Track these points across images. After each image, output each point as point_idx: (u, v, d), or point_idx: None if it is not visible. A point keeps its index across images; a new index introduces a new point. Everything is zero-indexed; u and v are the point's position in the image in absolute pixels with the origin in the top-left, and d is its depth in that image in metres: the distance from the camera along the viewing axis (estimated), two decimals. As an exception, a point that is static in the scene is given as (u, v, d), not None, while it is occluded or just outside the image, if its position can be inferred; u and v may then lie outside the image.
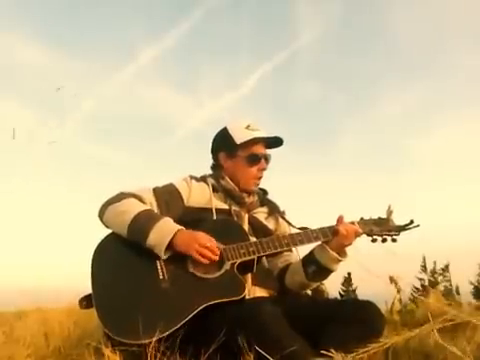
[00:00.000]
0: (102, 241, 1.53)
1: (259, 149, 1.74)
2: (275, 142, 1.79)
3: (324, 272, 1.62)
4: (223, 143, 1.79)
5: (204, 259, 1.41)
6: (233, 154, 1.75)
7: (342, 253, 1.60)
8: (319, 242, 1.60)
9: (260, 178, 1.77)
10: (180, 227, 1.46)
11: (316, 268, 1.60)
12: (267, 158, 1.77)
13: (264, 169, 1.76)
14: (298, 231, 1.65)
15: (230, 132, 1.76)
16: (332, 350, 0.82)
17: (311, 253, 1.64)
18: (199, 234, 1.45)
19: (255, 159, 1.73)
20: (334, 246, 1.57)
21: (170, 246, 1.42)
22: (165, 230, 1.43)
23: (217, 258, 1.44)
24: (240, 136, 1.72)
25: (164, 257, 1.43)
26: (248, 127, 1.74)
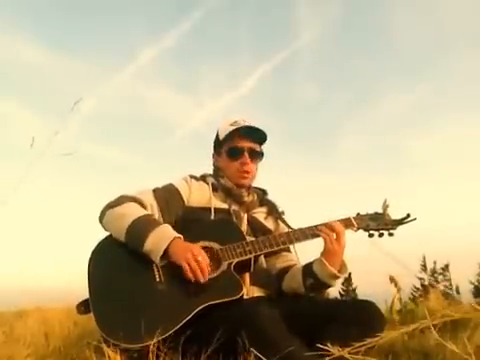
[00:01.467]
0: (98, 244, 1.52)
1: (240, 142, 1.71)
2: (259, 136, 1.74)
3: (322, 286, 1.59)
4: (214, 142, 1.83)
5: (190, 273, 1.35)
6: (220, 151, 1.79)
7: (342, 269, 1.56)
8: (316, 239, 1.58)
9: (246, 172, 1.72)
10: (178, 235, 1.44)
11: (314, 282, 1.57)
12: (252, 151, 1.73)
13: (247, 163, 1.71)
14: (294, 229, 1.63)
15: (218, 131, 1.80)
16: (328, 344, 0.82)
17: (310, 265, 1.61)
18: (194, 247, 1.41)
19: (234, 152, 1.71)
20: (329, 257, 1.52)
21: (166, 253, 1.40)
22: (162, 237, 1.41)
23: (202, 279, 1.36)
24: (223, 132, 1.74)
25: (160, 264, 1.42)
26: (234, 123, 1.73)
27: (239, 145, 1.71)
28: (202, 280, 1.36)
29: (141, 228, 1.43)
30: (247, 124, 1.71)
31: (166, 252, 1.40)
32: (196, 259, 1.36)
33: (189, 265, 1.35)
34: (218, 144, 1.78)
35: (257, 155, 1.76)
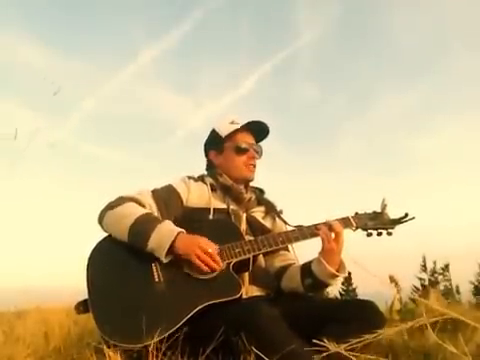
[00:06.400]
0: (98, 244, 1.52)
1: (245, 138, 1.79)
2: (261, 130, 1.82)
3: (321, 286, 1.58)
4: (211, 141, 1.86)
5: (204, 266, 1.39)
6: (221, 148, 1.81)
7: (341, 268, 1.55)
8: (315, 238, 1.57)
9: (252, 165, 1.79)
10: (181, 230, 1.45)
11: (313, 281, 1.56)
12: (256, 148, 1.81)
13: (254, 157, 1.79)
14: (293, 229, 1.63)
15: (216, 129, 1.83)
16: (325, 340, 0.81)
17: (309, 265, 1.60)
18: (201, 239, 1.43)
19: (242, 148, 1.77)
20: (327, 256, 1.51)
21: (171, 249, 1.40)
22: (165, 233, 1.42)
23: (217, 267, 1.40)
24: (225, 129, 1.78)
25: (165, 261, 1.41)
26: (233, 122, 1.79)
27: (245, 140, 1.78)
28: (218, 269, 1.40)
29: (143, 227, 1.44)
30: (250, 120, 1.78)
31: (171, 248, 1.40)
32: (206, 251, 1.39)
33: (200, 258, 1.38)
34: (218, 142, 1.80)
35: (260, 151, 1.83)
